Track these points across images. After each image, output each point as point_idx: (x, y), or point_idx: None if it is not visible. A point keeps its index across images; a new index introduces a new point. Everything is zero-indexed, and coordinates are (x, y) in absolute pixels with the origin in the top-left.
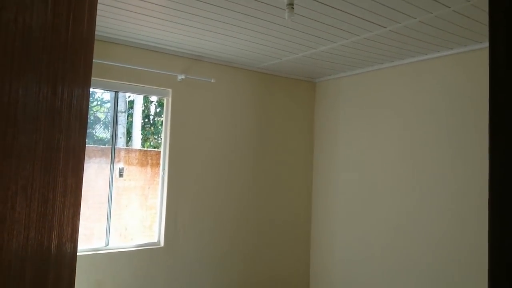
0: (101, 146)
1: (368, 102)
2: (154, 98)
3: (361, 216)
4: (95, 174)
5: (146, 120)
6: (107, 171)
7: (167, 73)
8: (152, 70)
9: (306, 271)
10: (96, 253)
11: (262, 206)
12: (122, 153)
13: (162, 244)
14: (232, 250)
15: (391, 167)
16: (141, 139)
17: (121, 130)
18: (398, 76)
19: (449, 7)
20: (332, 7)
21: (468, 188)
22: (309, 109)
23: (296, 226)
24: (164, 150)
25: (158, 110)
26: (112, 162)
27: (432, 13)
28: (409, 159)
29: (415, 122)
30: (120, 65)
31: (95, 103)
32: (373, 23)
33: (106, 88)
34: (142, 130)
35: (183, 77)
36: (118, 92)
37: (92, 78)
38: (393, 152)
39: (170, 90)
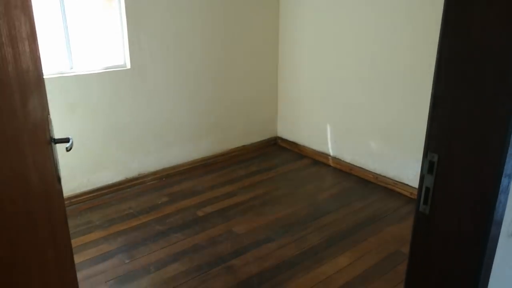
0: None
1: None
2: None
3: (326, 43)
4: None
5: None
6: None
7: None
8: None
9: (274, 90)
10: (63, 76)
11: (230, 30)
12: None
13: (128, 66)
14: (200, 72)
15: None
16: None
17: None
18: None
19: None
20: None
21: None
22: None
23: (264, 48)
24: None
25: None
26: None
27: None
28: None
29: None
30: None
31: None
32: None
33: None
34: None
35: None
36: None
37: None
38: None
39: None
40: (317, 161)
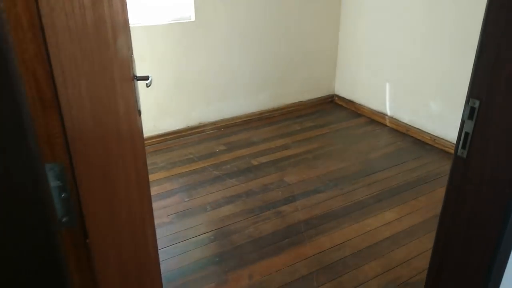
0: None
1: None
2: None
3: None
4: None
5: None
6: None
7: None
8: None
9: (334, 48)
10: (133, 27)
11: None
12: None
13: (193, 18)
14: (262, 27)
15: None
16: None
17: None
18: None
19: None
20: None
21: None
22: None
23: (326, 6)
24: None
25: None
26: None
27: None
28: None
29: None
30: None
31: None
32: None
33: None
34: None
35: None
36: None
37: None
38: None
39: None
40: (373, 120)
